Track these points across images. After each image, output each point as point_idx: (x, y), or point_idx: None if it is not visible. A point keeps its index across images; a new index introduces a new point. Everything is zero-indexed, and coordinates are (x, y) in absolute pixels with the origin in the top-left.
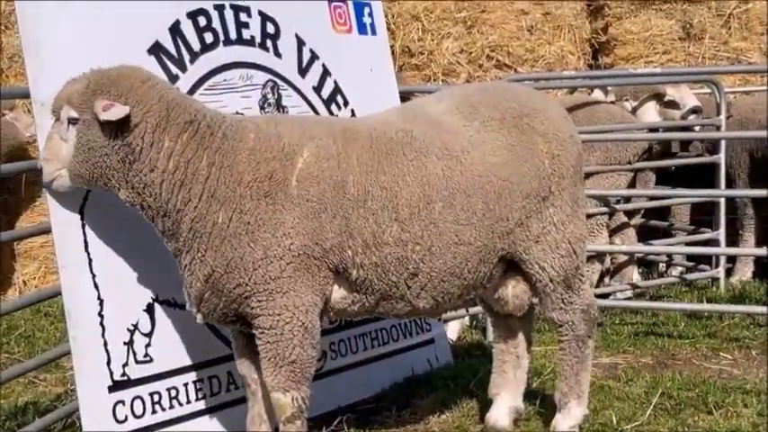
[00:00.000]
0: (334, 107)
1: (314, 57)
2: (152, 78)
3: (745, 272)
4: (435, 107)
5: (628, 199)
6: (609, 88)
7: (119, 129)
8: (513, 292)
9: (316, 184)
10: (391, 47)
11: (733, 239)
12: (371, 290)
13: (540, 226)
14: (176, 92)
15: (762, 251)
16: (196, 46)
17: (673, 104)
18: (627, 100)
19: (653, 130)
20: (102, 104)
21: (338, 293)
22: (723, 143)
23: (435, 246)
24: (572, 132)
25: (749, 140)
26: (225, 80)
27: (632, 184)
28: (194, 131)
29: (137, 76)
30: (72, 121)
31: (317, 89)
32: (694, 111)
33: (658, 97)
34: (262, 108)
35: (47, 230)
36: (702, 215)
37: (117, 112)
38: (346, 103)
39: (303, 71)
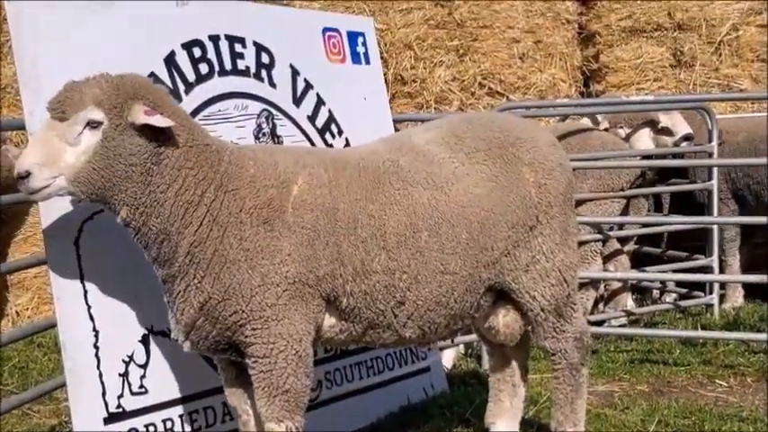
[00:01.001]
0: (328, 136)
1: (308, 86)
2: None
3: (736, 297)
4: (421, 137)
5: (621, 226)
6: (600, 117)
7: (153, 138)
8: (504, 321)
9: (310, 211)
10: (384, 75)
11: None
12: (359, 318)
13: (529, 255)
14: None
15: (758, 278)
16: (191, 76)
17: (666, 131)
18: (621, 127)
19: (646, 157)
20: (144, 109)
21: (328, 321)
22: (716, 170)
23: (422, 274)
24: (560, 160)
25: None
26: (220, 110)
27: (625, 211)
28: (208, 154)
29: (162, 88)
30: (92, 125)
31: (312, 118)
32: (687, 138)
33: (652, 124)
34: (256, 138)
35: (42, 262)
36: (696, 242)
37: (161, 120)
38: (341, 132)
39: (298, 101)
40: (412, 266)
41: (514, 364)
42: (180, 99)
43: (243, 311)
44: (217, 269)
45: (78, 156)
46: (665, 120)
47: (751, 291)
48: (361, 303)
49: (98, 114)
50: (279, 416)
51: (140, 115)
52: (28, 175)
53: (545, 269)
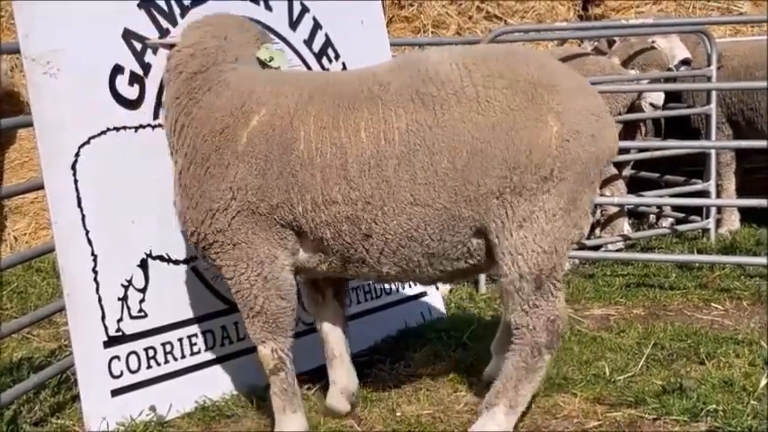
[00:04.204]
0: (325, 60)
1: (304, 10)
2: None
3: (732, 221)
4: (439, 56)
5: (618, 150)
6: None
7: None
8: None
9: (265, 141)
10: None
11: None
12: (332, 251)
13: (529, 209)
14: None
15: (756, 202)
16: (186, 0)
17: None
18: (633, 68)
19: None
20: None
21: (303, 254)
22: (714, 94)
23: (388, 206)
24: (595, 131)
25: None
26: None
27: (623, 136)
28: (192, 82)
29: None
30: None
31: (308, 42)
32: (685, 62)
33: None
34: None
35: (39, 187)
36: (692, 166)
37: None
38: (338, 57)
39: (294, 24)
40: (376, 197)
41: None
42: (175, 22)
43: (201, 235)
44: (179, 190)
45: None
46: (663, 43)
47: (746, 215)
48: (327, 235)
49: None
50: (260, 337)
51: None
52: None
53: (542, 230)
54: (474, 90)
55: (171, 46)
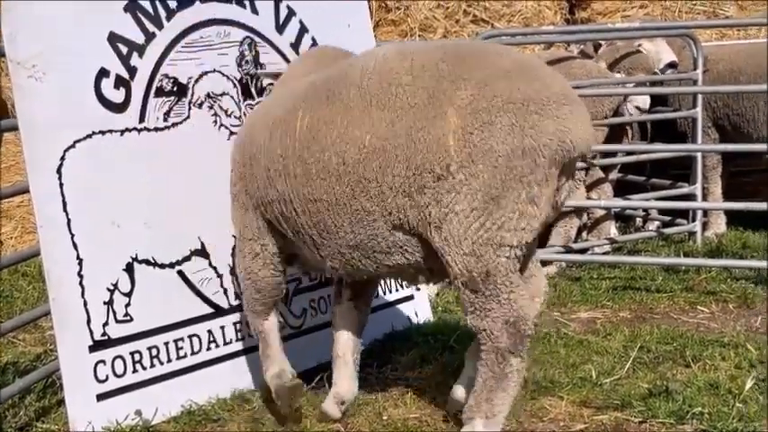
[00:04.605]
0: None
1: (291, 13)
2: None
3: (719, 224)
4: (385, 49)
5: (605, 154)
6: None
7: None
8: None
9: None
10: (368, 2)
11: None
12: (286, 244)
13: (441, 211)
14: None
15: (742, 206)
16: (173, 3)
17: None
18: (619, 72)
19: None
20: None
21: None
22: (700, 98)
23: (295, 202)
24: (520, 122)
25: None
26: (202, 37)
27: (609, 139)
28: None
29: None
30: None
31: (295, 46)
32: (671, 65)
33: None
34: (239, 65)
35: (25, 191)
36: (678, 170)
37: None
38: None
39: (281, 28)
40: (285, 194)
41: None
42: (161, 26)
43: None
44: None
45: None
46: (649, 47)
47: (732, 218)
48: (279, 227)
49: None
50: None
51: None
52: None
53: (458, 233)
54: (379, 87)
55: (277, 76)
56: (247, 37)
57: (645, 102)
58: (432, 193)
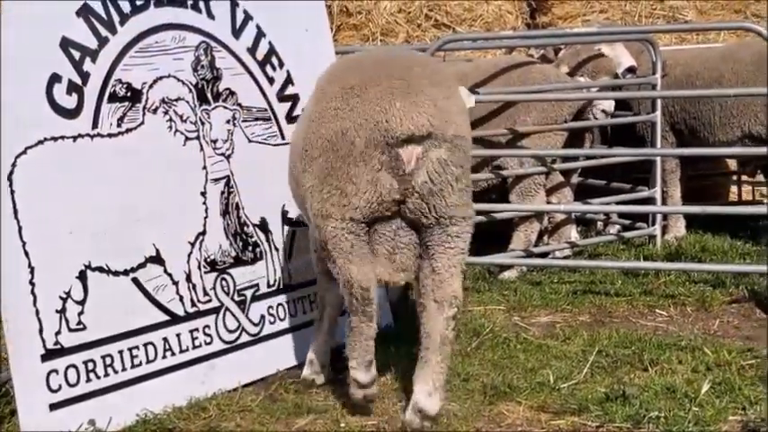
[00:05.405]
0: (269, 68)
1: (248, 17)
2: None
3: (678, 228)
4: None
5: (565, 158)
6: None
7: None
8: None
9: None
10: (329, 6)
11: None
12: None
13: (305, 189)
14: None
15: (700, 209)
16: (126, 7)
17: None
18: (582, 76)
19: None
20: None
21: None
22: (659, 102)
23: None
24: (339, 107)
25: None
26: (156, 42)
27: (569, 144)
28: None
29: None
30: None
31: (252, 50)
32: (630, 70)
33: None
34: (195, 70)
35: None
36: (638, 173)
37: None
38: (282, 65)
39: (237, 32)
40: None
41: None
42: (115, 30)
43: None
44: None
45: None
46: (608, 51)
47: (691, 222)
48: None
49: None
50: None
51: None
52: None
53: (310, 207)
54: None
55: None
56: (203, 42)
57: (610, 105)
58: (303, 176)
